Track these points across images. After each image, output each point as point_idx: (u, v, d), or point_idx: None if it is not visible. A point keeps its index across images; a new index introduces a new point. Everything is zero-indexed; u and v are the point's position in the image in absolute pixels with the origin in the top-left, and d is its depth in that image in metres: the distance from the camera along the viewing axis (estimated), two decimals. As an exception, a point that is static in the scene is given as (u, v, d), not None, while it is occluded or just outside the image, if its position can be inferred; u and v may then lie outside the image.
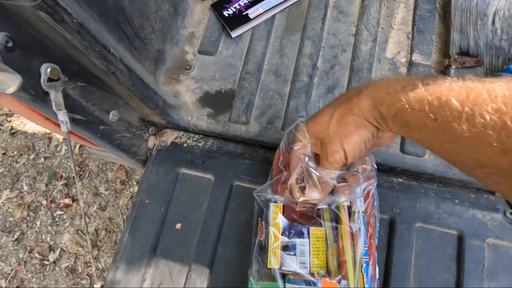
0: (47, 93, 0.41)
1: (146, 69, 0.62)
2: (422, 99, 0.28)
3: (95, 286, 0.58)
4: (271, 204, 0.50)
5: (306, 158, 0.43)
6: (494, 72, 0.59)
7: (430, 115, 0.27)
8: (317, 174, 0.42)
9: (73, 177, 1.70)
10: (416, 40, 0.66)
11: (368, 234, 0.51)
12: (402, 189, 0.59)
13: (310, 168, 0.42)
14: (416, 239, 0.55)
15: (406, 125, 0.31)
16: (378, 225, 0.53)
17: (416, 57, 0.65)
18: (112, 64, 0.44)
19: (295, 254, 0.47)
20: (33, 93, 0.38)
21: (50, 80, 0.40)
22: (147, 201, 0.62)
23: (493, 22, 0.62)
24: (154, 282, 0.58)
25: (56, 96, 0.41)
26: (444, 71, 0.63)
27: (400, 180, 0.60)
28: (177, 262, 0.58)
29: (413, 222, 0.56)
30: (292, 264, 0.46)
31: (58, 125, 0.44)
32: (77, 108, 0.47)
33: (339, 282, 0.47)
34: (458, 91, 0.26)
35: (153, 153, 0.66)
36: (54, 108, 0.42)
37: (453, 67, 0.60)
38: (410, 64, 0.65)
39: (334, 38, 0.69)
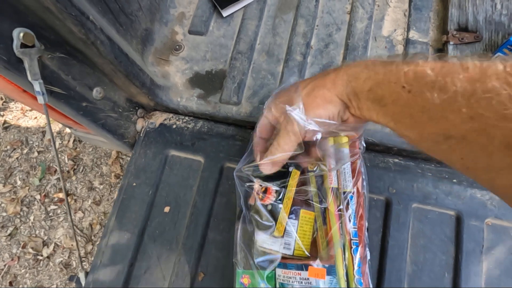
0: (21, 61, 0.38)
1: (133, 47, 0.60)
2: (398, 71, 0.29)
3: (79, 273, 0.56)
4: (291, 170, 0.46)
5: (287, 107, 0.37)
6: (493, 47, 0.57)
7: (405, 86, 0.28)
8: (301, 119, 0.36)
9: (67, 171, 1.67)
10: (413, 17, 0.64)
11: (358, 215, 0.49)
12: (398, 170, 0.56)
13: (292, 114, 0.36)
14: (413, 220, 0.53)
15: (379, 100, 0.31)
16: (368, 205, 0.50)
17: (413, 35, 0.62)
18: (91, 33, 0.42)
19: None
20: (4, 59, 0.36)
21: (24, 46, 0.38)
22: (134, 184, 0.60)
23: (493, -3, 0.60)
24: (142, 268, 0.56)
25: (31, 65, 0.39)
26: (442, 48, 0.61)
27: (396, 160, 0.58)
28: (166, 246, 0.56)
29: (410, 202, 0.54)
30: (276, 244, 0.44)
31: (36, 99, 0.42)
32: (56, 81, 0.44)
33: (331, 267, 0.44)
34: (433, 63, 0.27)
35: (141, 135, 0.64)
36: (29, 78, 0.40)
37: (451, 43, 0.58)
38: (407, 42, 0.62)
39: (328, 16, 0.67)
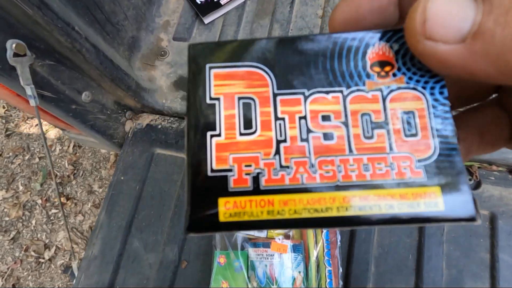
0: (14, 68, 0.43)
1: (120, 54, 0.65)
2: None
3: (72, 263, 0.60)
4: None
5: None
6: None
7: None
8: None
9: (68, 176, 1.72)
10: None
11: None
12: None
13: None
14: (380, 207, 0.57)
15: None
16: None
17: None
18: (77, 42, 0.47)
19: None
20: (-1, 67, 0.41)
21: (16, 55, 0.43)
22: (122, 178, 0.65)
23: None
24: (130, 257, 0.60)
25: (23, 72, 0.44)
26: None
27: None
28: (152, 237, 0.61)
29: (376, 191, 0.58)
30: None
31: (28, 102, 0.47)
32: (47, 86, 0.49)
33: (297, 246, 0.49)
34: None
35: (129, 135, 0.69)
36: (21, 83, 0.44)
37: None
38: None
39: (301, 20, 0.72)
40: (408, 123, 0.12)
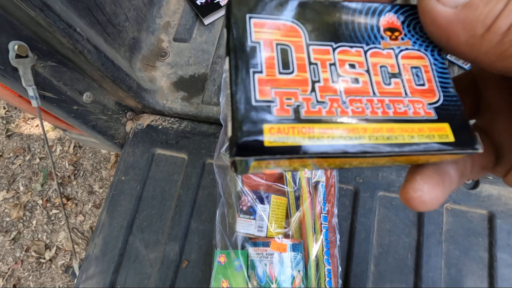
0: (16, 69, 0.44)
1: (121, 55, 0.65)
2: None
3: (73, 263, 0.61)
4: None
5: None
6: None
7: None
8: None
9: (68, 176, 1.72)
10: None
11: (327, 202, 0.54)
12: (366, 161, 0.61)
13: None
14: (379, 206, 0.58)
15: None
16: (337, 194, 0.55)
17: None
18: (79, 43, 0.47)
19: (254, 219, 0.49)
20: (1, 68, 0.41)
21: (18, 56, 0.44)
22: (123, 178, 0.65)
23: None
24: (131, 257, 0.61)
25: (25, 73, 0.45)
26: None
27: (364, 152, 0.62)
28: (153, 236, 0.61)
29: (375, 191, 0.58)
30: (250, 228, 0.49)
31: (30, 102, 0.47)
32: (48, 87, 0.50)
33: (296, 245, 0.49)
34: None
35: (130, 136, 0.69)
36: (23, 84, 0.45)
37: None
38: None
39: (301, 21, 0.72)
40: (417, 75, 0.15)
